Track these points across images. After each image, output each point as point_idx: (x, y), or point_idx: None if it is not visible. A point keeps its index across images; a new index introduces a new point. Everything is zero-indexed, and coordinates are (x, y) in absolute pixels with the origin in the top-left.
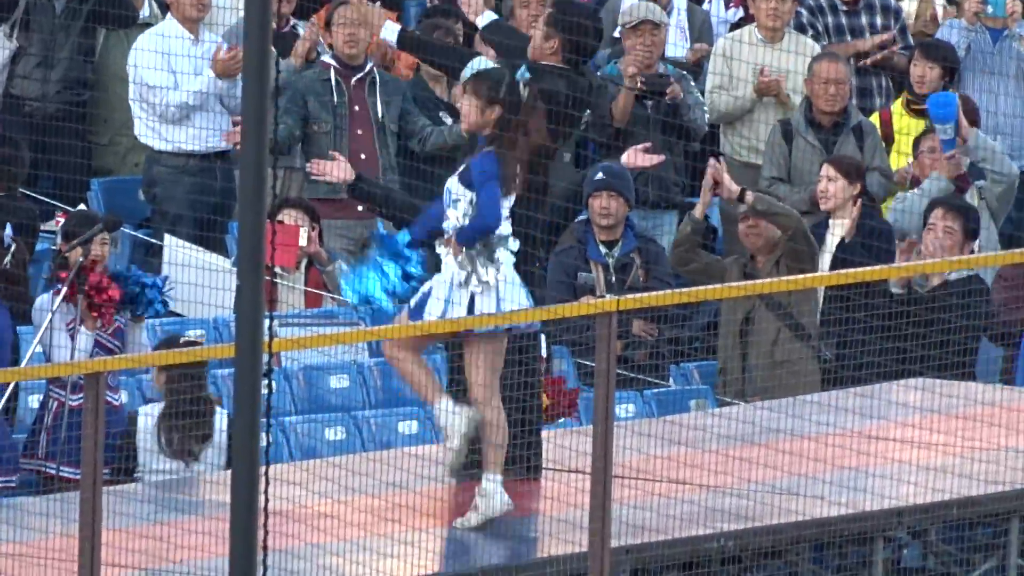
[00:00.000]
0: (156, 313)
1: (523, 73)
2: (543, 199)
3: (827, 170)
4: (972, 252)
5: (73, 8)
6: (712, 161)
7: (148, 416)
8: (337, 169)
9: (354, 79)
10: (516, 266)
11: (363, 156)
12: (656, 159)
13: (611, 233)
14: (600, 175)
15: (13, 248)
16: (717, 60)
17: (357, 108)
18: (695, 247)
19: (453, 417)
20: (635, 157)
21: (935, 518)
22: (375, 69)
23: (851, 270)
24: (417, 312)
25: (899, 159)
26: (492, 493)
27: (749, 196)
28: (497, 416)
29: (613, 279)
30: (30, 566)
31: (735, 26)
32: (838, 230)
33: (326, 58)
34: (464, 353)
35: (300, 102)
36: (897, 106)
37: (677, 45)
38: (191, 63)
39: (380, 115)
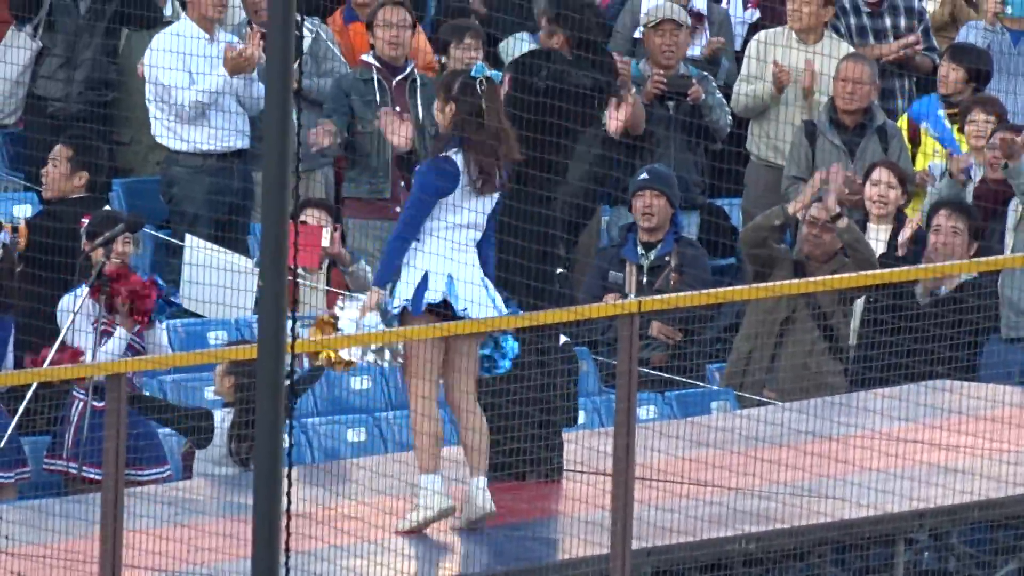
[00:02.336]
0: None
1: (480, 69)
2: (561, 199)
3: (886, 176)
4: (981, 252)
5: (97, 9)
6: (829, 171)
7: (224, 419)
8: (404, 128)
9: (395, 80)
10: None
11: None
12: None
13: (653, 235)
14: (644, 175)
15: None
16: (751, 59)
17: (398, 109)
18: (772, 236)
19: (433, 498)
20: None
21: (957, 520)
22: (415, 71)
23: (877, 271)
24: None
25: (924, 161)
26: (478, 497)
27: (843, 222)
28: (480, 421)
29: (644, 280)
30: (51, 568)
31: (753, 27)
32: (881, 235)
33: (368, 58)
34: (449, 349)
35: (344, 102)
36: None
37: (696, 45)
38: (207, 62)
39: (420, 117)
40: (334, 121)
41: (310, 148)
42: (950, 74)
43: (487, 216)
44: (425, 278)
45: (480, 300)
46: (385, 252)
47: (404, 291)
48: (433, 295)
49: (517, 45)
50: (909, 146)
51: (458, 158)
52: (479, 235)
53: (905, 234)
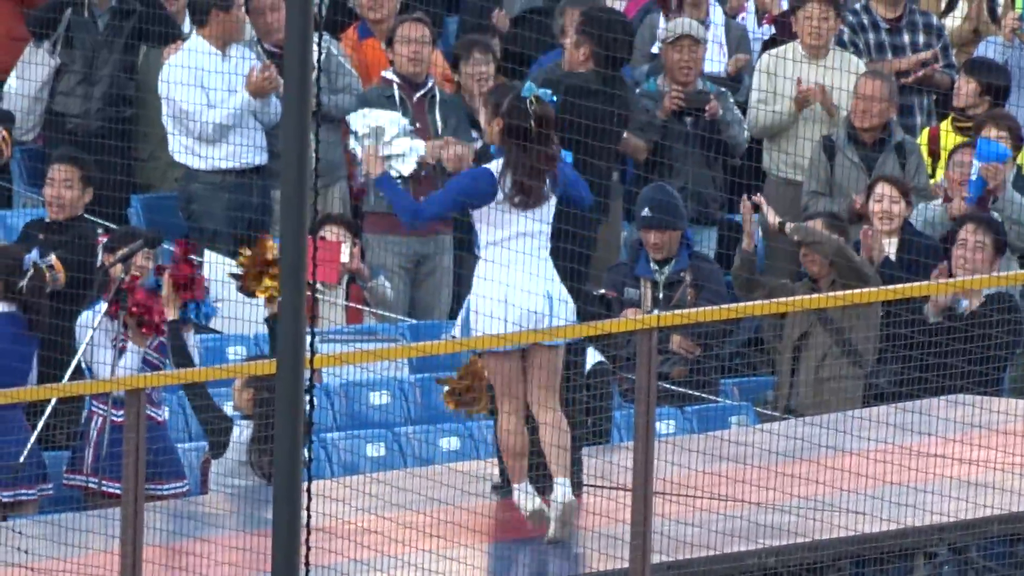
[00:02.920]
0: (206, 317)
1: (529, 89)
2: (596, 218)
3: (888, 190)
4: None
5: (115, 25)
6: (746, 200)
7: (242, 431)
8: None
9: (416, 96)
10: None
11: (423, 173)
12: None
13: (664, 252)
14: (646, 211)
15: (31, 272)
16: (761, 76)
17: (419, 125)
18: (752, 275)
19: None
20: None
21: (976, 534)
22: (435, 87)
23: (891, 287)
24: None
25: (942, 176)
26: (559, 494)
27: (788, 227)
28: (558, 419)
29: (660, 296)
30: None
31: (768, 43)
32: (889, 248)
33: (388, 74)
34: (527, 361)
35: None
36: (946, 124)
37: (715, 61)
38: (222, 79)
39: (440, 132)
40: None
41: (361, 178)
42: (964, 87)
43: (549, 223)
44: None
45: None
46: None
47: (482, 324)
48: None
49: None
50: (929, 160)
51: (497, 172)
52: (542, 244)
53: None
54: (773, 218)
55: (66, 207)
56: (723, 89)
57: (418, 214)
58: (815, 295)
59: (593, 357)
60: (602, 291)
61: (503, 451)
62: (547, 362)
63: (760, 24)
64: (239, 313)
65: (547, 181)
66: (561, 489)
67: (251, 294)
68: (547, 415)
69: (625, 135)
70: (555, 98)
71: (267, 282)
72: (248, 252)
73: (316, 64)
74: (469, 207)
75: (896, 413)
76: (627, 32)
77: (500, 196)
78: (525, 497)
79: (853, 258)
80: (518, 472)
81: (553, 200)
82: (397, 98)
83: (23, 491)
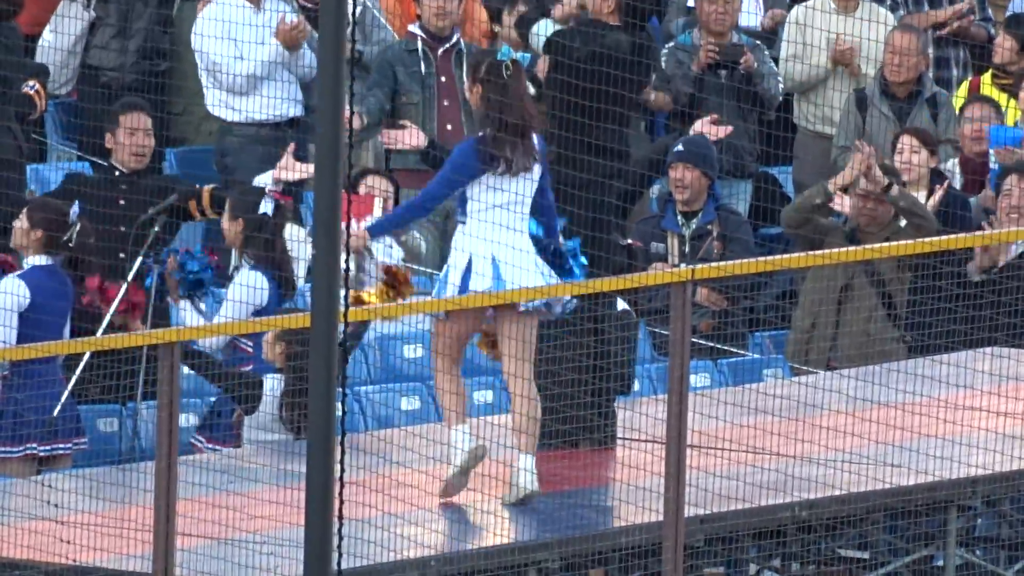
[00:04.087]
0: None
1: (506, 52)
2: (615, 166)
3: (909, 141)
4: None
5: None
6: (867, 149)
7: (275, 385)
8: (409, 136)
9: (441, 50)
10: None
11: (449, 127)
12: (724, 130)
13: (691, 204)
14: (679, 146)
15: (78, 227)
16: (791, 28)
17: (444, 79)
18: (816, 214)
19: (459, 448)
20: (704, 128)
21: (1010, 487)
22: (461, 40)
23: (935, 239)
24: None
25: None
26: (521, 477)
27: (895, 190)
28: (532, 404)
29: (687, 249)
30: (105, 536)
31: None
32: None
33: (414, 28)
34: (497, 329)
35: (389, 74)
36: (986, 77)
37: (751, 14)
38: (254, 31)
39: (465, 89)
40: (411, 119)
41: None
42: (1005, 43)
43: (533, 194)
44: (470, 263)
45: (529, 279)
46: (394, 211)
47: (452, 276)
48: (480, 281)
49: (547, 27)
50: None
51: (478, 142)
52: (526, 213)
53: (936, 196)
54: (880, 176)
55: (145, 157)
56: (758, 42)
57: (422, 207)
58: (852, 248)
59: (620, 306)
60: (628, 241)
61: (440, 392)
62: (517, 332)
63: None
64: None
65: (531, 147)
66: (523, 472)
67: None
68: (518, 386)
69: (651, 91)
70: (526, 57)
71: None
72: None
73: (352, 17)
74: (461, 183)
75: (931, 366)
76: None
77: (485, 165)
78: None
79: (932, 227)
80: (454, 416)
81: (538, 168)
82: (420, 52)
83: (59, 445)
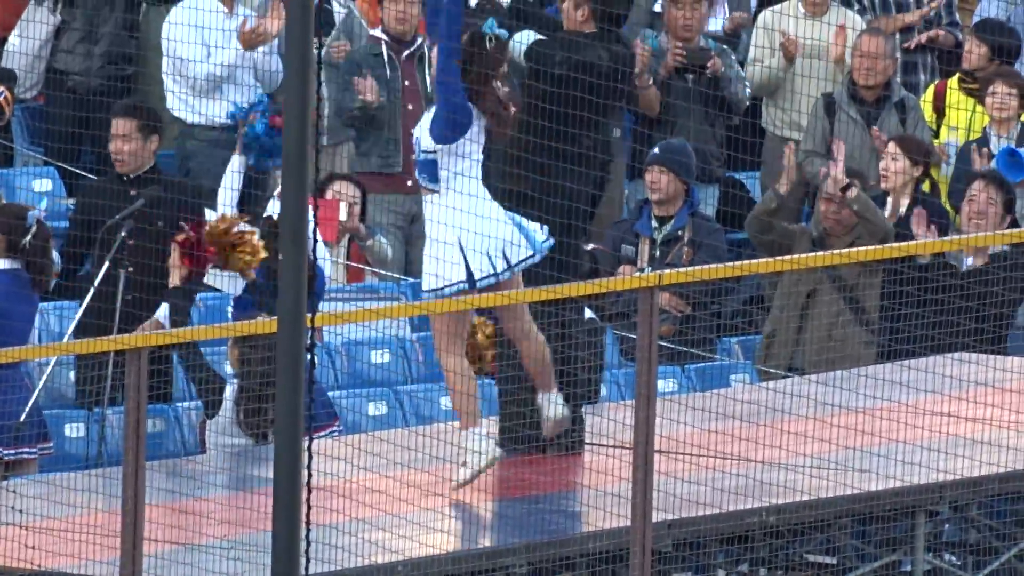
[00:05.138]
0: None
1: (491, 25)
2: (581, 170)
3: (891, 147)
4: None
5: None
6: (836, 145)
7: (233, 390)
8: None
9: (404, 54)
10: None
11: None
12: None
13: (666, 208)
14: (656, 150)
15: (34, 229)
16: (759, 33)
17: (407, 83)
18: (776, 218)
19: (478, 450)
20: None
21: (978, 492)
22: (424, 45)
23: (899, 244)
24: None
25: (947, 133)
26: (551, 409)
27: (852, 192)
28: (537, 338)
29: (657, 254)
30: (71, 542)
31: (765, 1)
32: (902, 208)
33: (377, 33)
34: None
35: (358, 75)
36: (953, 81)
37: (714, 18)
38: (225, 36)
39: (429, 90)
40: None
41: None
42: (975, 50)
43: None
44: (462, 248)
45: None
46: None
47: (454, 273)
48: (481, 264)
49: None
50: (934, 116)
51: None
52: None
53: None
54: (841, 175)
55: (127, 161)
56: (724, 46)
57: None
58: (819, 253)
59: (587, 314)
60: (591, 246)
61: (451, 393)
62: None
63: None
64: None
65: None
66: (553, 406)
67: (226, 268)
68: (526, 339)
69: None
70: (506, 34)
71: (239, 255)
72: (209, 229)
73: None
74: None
75: (897, 371)
76: None
77: (475, 128)
78: (479, 440)
79: (887, 235)
80: (469, 417)
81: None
82: (385, 56)
83: (25, 450)
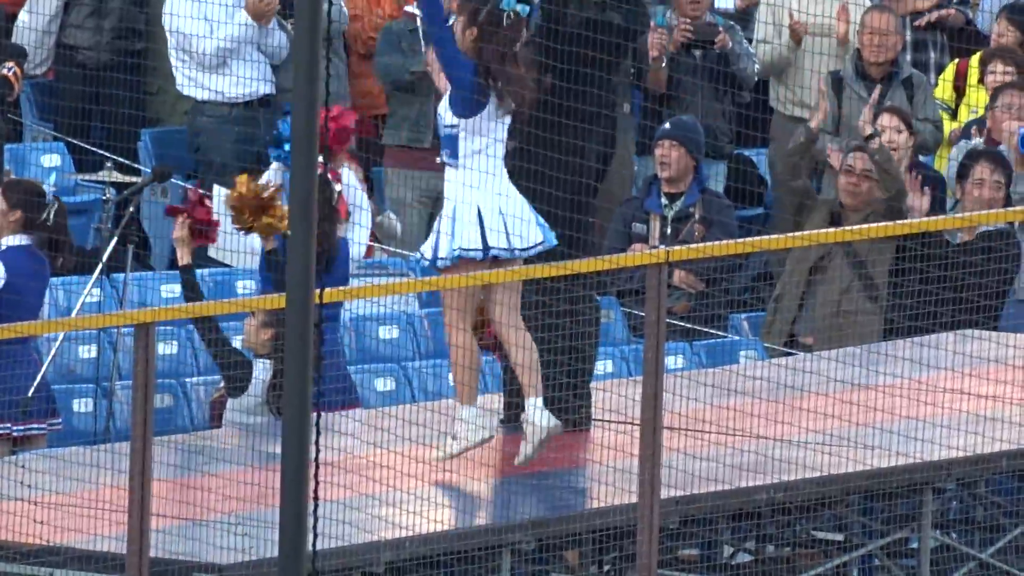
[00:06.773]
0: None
1: (509, 2)
2: (593, 148)
3: (892, 120)
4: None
5: None
6: (821, 82)
7: (264, 370)
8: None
9: None
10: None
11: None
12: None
13: (675, 185)
14: (667, 125)
15: (56, 206)
16: (765, 9)
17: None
18: (805, 156)
19: (469, 426)
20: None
21: (985, 469)
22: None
23: (911, 221)
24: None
25: (966, 112)
26: (539, 418)
27: (875, 142)
28: (523, 338)
29: (668, 231)
30: (80, 517)
31: None
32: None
33: (412, 8)
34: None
35: (397, 46)
36: (975, 60)
37: None
38: (226, 10)
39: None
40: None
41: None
42: (1007, 34)
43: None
44: (480, 219)
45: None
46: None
47: (469, 233)
48: (497, 240)
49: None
50: (953, 95)
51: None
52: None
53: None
54: (869, 115)
55: None
56: (732, 23)
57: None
58: (831, 229)
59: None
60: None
61: (454, 367)
62: (504, 286)
63: None
64: (248, 247)
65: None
66: (536, 411)
67: (247, 231)
68: (513, 335)
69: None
70: (526, 9)
71: (266, 220)
72: (241, 189)
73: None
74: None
75: (908, 347)
76: None
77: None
78: (474, 416)
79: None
80: (467, 393)
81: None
82: (421, 32)
83: (33, 425)
